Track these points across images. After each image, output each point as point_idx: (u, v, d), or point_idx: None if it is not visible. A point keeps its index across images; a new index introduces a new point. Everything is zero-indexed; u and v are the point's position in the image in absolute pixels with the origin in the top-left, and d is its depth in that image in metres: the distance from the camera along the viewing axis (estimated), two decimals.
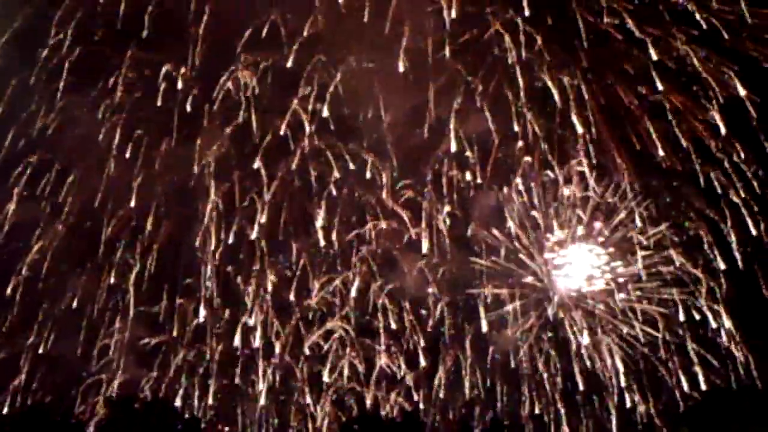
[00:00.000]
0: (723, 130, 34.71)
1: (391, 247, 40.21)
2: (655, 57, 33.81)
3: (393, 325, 39.68)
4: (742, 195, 35.39)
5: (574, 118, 35.64)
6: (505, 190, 39.12)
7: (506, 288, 39.30)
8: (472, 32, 36.90)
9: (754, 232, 35.27)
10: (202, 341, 40.57)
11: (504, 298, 39.29)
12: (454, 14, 34.96)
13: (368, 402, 40.36)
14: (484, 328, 38.37)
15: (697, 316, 37.36)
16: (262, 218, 38.66)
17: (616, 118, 37.23)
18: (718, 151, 35.59)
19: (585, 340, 38.04)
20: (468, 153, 38.28)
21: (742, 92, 33.44)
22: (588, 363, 38.35)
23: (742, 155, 35.01)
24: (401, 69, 36.19)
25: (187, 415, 39.51)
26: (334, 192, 39.38)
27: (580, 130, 35.81)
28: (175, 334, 40.25)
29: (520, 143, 38.13)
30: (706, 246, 36.88)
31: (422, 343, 39.71)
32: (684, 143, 35.61)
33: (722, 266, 36.24)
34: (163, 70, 38.27)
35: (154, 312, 40.48)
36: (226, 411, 40.50)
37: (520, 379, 39.04)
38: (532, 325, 38.96)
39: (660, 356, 38.06)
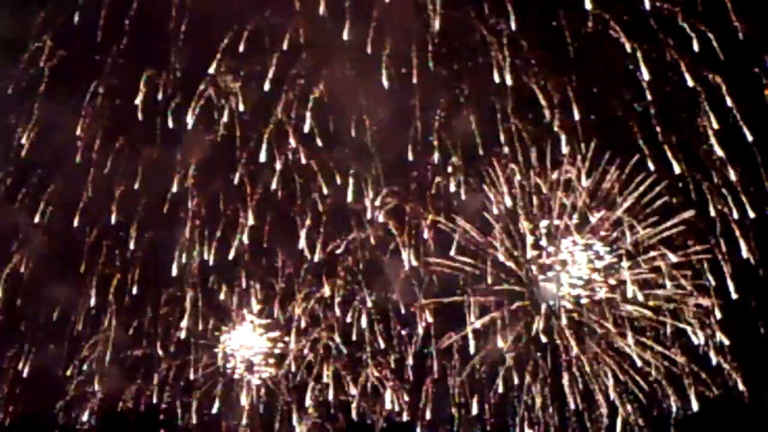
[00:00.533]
0: (713, 139, 34.10)
1: (377, 255, 39.62)
2: (644, 68, 33.24)
3: (378, 335, 39.25)
4: (735, 211, 34.83)
5: (556, 128, 35.13)
6: (492, 196, 38.57)
7: (492, 296, 38.72)
8: (458, 39, 36.25)
9: (745, 254, 34.77)
10: (187, 353, 40.18)
11: (490, 306, 38.78)
12: (437, 25, 34.49)
13: (354, 413, 39.91)
14: (472, 348, 37.85)
15: (688, 328, 36.88)
16: (244, 236, 38.17)
17: (605, 125, 36.62)
18: (708, 160, 34.96)
19: (574, 350, 37.62)
20: (453, 159, 37.78)
21: (729, 102, 32.77)
22: (578, 374, 37.90)
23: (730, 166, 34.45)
24: (384, 75, 35.69)
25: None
26: (318, 201, 38.87)
27: (564, 139, 35.34)
28: (159, 345, 39.83)
29: (506, 149, 37.62)
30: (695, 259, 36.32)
31: (410, 354, 39.27)
32: (671, 154, 34.98)
33: (712, 281, 35.70)
34: (144, 76, 37.61)
35: (138, 323, 40.04)
36: (210, 424, 39.98)
37: (507, 395, 38.46)
38: (519, 335, 38.43)
39: (651, 366, 37.47)
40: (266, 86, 36.72)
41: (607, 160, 37.24)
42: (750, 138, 32.96)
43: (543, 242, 38.04)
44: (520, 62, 35.30)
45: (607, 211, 37.46)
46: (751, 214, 34.47)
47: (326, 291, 39.40)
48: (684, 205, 36.30)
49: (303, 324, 39.90)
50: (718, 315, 35.66)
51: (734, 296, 35.10)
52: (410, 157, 37.61)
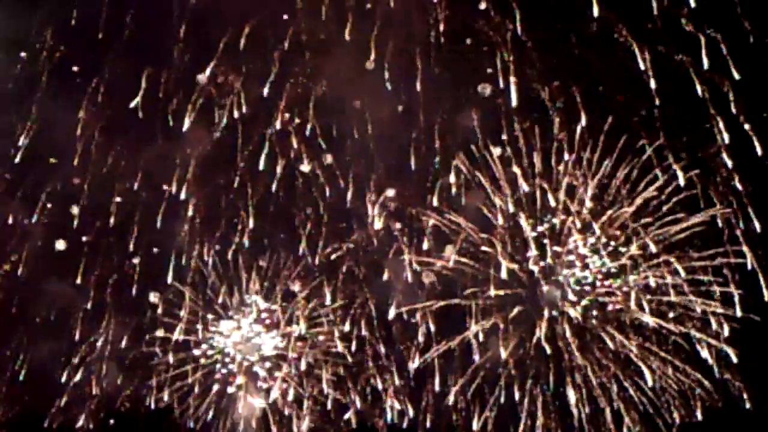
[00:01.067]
0: (723, 148, 33.60)
1: (378, 258, 39.22)
2: (650, 71, 32.65)
3: (379, 339, 38.88)
4: (741, 222, 34.35)
5: (560, 131, 34.65)
6: (495, 199, 38.08)
7: (494, 300, 38.22)
8: (462, 41, 35.81)
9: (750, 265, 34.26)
10: (185, 354, 39.90)
11: (492, 311, 38.28)
12: (441, 26, 34.02)
13: (354, 417, 39.55)
14: (474, 354, 37.43)
15: (692, 334, 36.37)
16: (244, 237, 37.83)
17: (610, 128, 36.10)
18: (716, 167, 34.48)
19: (577, 357, 37.17)
20: (456, 161, 37.31)
21: (734, 110, 32.27)
22: (581, 381, 37.45)
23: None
24: (386, 76, 35.28)
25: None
26: (320, 202, 38.54)
27: (568, 142, 34.92)
28: (157, 346, 39.57)
29: (510, 151, 37.17)
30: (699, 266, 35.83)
31: (411, 359, 38.84)
32: (673, 159, 34.50)
33: (718, 293, 35.24)
34: (145, 74, 37.23)
35: (136, 324, 39.77)
36: (208, 427, 39.74)
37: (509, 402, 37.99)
38: (521, 341, 37.96)
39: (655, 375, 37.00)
40: (267, 86, 36.48)
41: (613, 164, 36.67)
42: (759, 150, 32.40)
43: (546, 245, 37.53)
44: (525, 64, 34.84)
45: (612, 216, 36.94)
46: (758, 226, 33.97)
47: (327, 294, 39.06)
48: (691, 212, 35.74)
49: (303, 327, 39.52)
50: (726, 329, 35.12)
51: (739, 309, 34.57)
52: (412, 158, 37.26)
